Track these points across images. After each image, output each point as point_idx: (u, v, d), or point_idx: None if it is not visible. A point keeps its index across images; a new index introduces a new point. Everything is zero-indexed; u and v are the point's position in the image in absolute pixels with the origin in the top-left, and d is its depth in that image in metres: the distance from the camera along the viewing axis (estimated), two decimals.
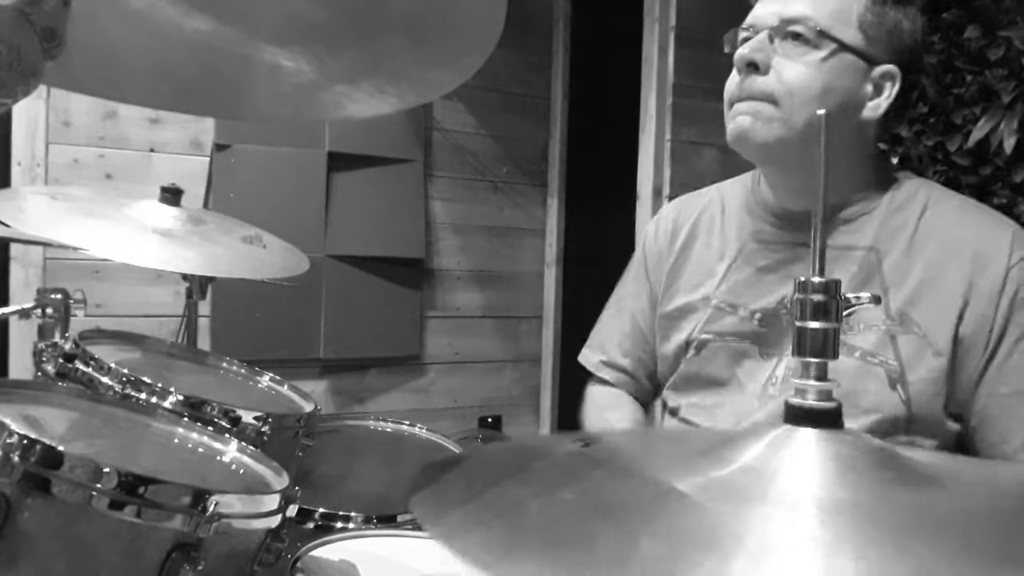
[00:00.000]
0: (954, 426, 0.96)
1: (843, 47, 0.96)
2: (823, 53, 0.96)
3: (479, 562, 0.43)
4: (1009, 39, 1.75)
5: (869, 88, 0.99)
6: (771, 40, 0.97)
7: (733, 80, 1.01)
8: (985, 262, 0.94)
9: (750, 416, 1.03)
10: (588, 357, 1.29)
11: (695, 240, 1.17)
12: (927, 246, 0.98)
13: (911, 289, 0.96)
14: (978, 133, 1.79)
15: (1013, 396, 0.93)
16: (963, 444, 0.98)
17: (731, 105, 1.01)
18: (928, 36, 1.91)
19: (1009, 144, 1.74)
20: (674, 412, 1.16)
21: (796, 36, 0.96)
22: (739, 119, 0.99)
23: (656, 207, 2.56)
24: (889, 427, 0.95)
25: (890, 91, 0.99)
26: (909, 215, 1.00)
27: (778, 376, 1.02)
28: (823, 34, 0.95)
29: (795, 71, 0.96)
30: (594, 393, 1.28)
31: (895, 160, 1.95)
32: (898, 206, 1.01)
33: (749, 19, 1.02)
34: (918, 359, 0.94)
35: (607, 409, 1.22)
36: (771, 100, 0.97)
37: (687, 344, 1.12)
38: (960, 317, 0.94)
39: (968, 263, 0.95)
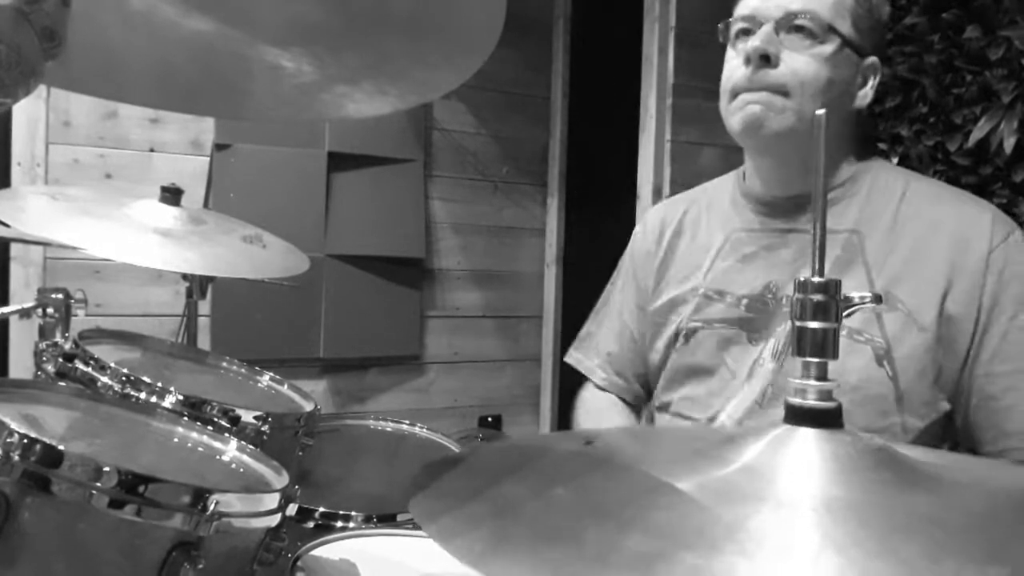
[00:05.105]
0: (945, 405, 0.97)
1: (845, 41, 0.99)
2: (829, 47, 0.98)
3: (467, 559, 0.44)
4: (1009, 39, 1.75)
5: (860, 79, 1.03)
6: (776, 33, 0.99)
7: (738, 71, 1.02)
8: (967, 242, 0.96)
9: (739, 398, 1.04)
10: (578, 360, 1.29)
11: (682, 236, 1.19)
12: (908, 228, 1.00)
13: (894, 269, 0.98)
14: (978, 133, 1.78)
15: (1014, 373, 0.93)
16: (950, 427, 0.98)
17: (735, 96, 1.02)
18: (928, 36, 1.91)
19: (1009, 144, 1.74)
20: (665, 407, 1.16)
21: (800, 29, 0.98)
22: (750, 108, 1.00)
23: None
24: (876, 404, 0.95)
25: (874, 81, 1.04)
26: (888, 199, 1.03)
27: (764, 358, 1.03)
28: (828, 28, 0.98)
29: (804, 63, 0.98)
30: (585, 396, 1.28)
31: (895, 160, 1.95)
32: (878, 191, 1.04)
33: (746, 10, 1.03)
34: (904, 335, 0.96)
35: (595, 412, 1.23)
36: (783, 92, 0.99)
37: (676, 335, 1.13)
38: (945, 295, 0.95)
39: (950, 243, 0.97)
